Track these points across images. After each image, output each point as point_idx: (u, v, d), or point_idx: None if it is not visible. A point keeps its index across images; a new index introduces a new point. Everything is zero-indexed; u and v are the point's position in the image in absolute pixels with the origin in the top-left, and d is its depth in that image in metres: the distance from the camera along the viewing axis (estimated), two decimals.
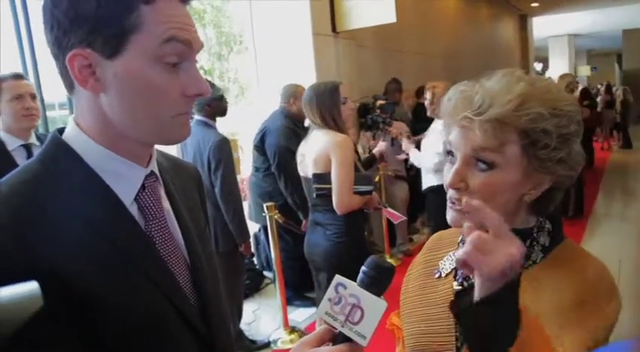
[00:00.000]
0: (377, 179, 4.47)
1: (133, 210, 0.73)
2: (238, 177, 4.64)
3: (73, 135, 0.73)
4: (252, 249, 3.32)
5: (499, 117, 0.76)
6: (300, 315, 3.65)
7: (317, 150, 2.24)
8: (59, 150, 0.72)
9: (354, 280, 0.67)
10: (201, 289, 0.79)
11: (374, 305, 0.64)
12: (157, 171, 0.79)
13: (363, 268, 0.66)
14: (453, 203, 0.81)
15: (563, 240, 0.87)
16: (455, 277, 0.90)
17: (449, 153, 0.84)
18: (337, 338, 0.65)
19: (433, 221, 3.69)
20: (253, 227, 4.01)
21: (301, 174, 2.40)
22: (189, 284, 0.78)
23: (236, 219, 2.79)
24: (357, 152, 2.77)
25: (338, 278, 0.67)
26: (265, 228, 3.43)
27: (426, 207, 3.95)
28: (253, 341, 3.21)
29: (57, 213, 0.65)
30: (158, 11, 0.68)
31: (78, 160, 0.71)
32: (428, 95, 3.55)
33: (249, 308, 3.70)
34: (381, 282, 0.66)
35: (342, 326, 0.64)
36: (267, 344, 3.22)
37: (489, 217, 0.65)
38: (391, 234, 4.70)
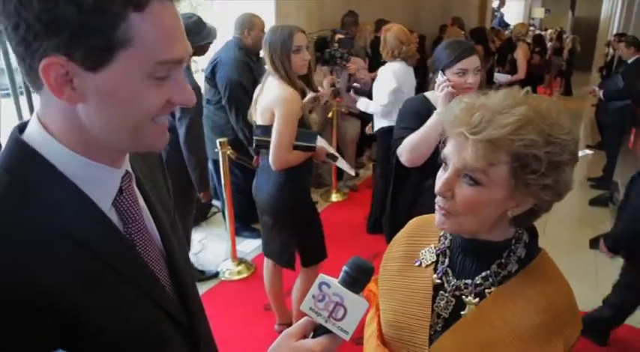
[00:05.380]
0: (330, 115, 4.48)
1: (112, 215, 0.69)
2: None
3: (39, 139, 0.65)
4: None
5: (493, 139, 0.77)
6: (248, 246, 3.74)
7: (265, 101, 2.18)
8: (26, 158, 0.64)
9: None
10: (179, 280, 0.79)
11: (357, 305, 0.69)
12: (129, 169, 0.74)
13: (345, 268, 0.71)
14: (440, 207, 0.86)
15: (538, 252, 0.92)
16: (435, 270, 0.95)
17: (443, 161, 0.86)
18: (318, 329, 0.71)
19: (380, 159, 3.81)
20: None
21: (253, 118, 2.34)
22: (168, 279, 0.77)
23: (198, 169, 2.75)
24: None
25: (322, 277, 0.71)
26: (215, 161, 3.40)
27: (377, 147, 4.03)
28: (202, 271, 3.28)
29: (33, 229, 0.60)
30: (150, 21, 0.60)
31: (50, 168, 0.64)
32: (382, 38, 3.50)
33: (196, 237, 3.73)
34: (361, 281, 0.71)
35: (326, 322, 0.69)
36: (216, 275, 3.31)
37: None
38: (339, 168, 4.78)
